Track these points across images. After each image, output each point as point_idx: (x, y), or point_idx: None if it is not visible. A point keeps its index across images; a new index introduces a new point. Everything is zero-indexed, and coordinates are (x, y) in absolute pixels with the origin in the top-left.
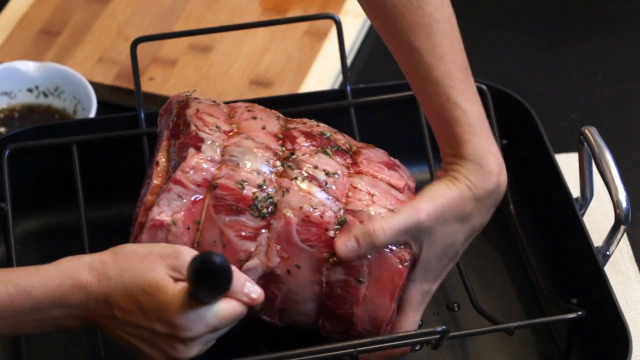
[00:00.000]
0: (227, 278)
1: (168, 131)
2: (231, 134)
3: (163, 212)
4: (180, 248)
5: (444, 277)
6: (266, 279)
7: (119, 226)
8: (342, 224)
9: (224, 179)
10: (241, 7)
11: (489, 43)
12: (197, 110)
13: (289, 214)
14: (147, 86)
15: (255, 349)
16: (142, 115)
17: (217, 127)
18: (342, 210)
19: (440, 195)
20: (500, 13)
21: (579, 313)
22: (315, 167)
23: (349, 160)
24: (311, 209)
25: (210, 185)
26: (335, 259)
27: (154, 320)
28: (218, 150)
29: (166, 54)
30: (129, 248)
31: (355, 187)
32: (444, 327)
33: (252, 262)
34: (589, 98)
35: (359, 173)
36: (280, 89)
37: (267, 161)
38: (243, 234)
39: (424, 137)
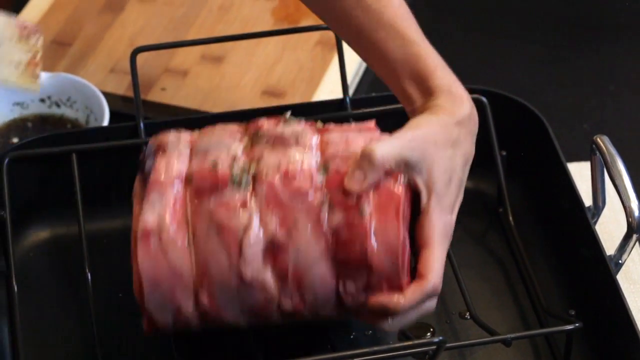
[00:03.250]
0: None
1: (140, 178)
2: (194, 137)
3: (149, 219)
4: None
5: (457, 210)
6: (271, 252)
7: (118, 236)
8: (326, 169)
9: (197, 166)
10: (253, 18)
11: (499, 53)
12: (157, 135)
13: (269, 175)
14: (158, 97)
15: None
16: (142, 125)
17: (176, 135)
18: (320, 158)
19: (425, 123)
20: (511, 23)
21: (577, 324)
22: (283, 133)
23: (314, 127)
24: (290, 165)
25: (186, 179)
26: (329, 202)
27: None
28: (185, 147)
29: (178, 65)
30: None
31: (327, 142)
32: (440, 338)
33: (252, 235)
34: (601, 109)
35: (326, 131)
36: (292, 99)
37: (234, 140)
38: (232, 210)
39: None
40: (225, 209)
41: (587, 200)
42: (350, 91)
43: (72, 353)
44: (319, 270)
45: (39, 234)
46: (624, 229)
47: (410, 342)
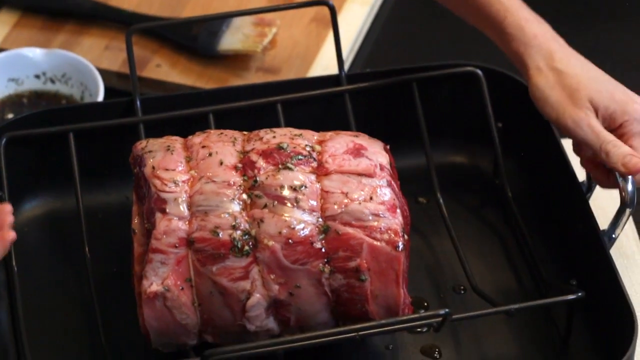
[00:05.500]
0: None
1: (135, 191)
2: (191, 180)
3: (153, 283)
4: None
5: None
6: (273, 307)
7: (113, 210)
8: (326, 232)
9: (198, 231)
10: None
11: None
12: (153, 167)
13: (271, 242)
14: (154, 73)
15: None
16: (139, 102)
17: (174, 181)
18: (320, 219)
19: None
20: None
21: (579, 294)
22: (281, 187)
23: (313, 164)
24: (290, 230)
25: (188, 242)
26: (329, 266)
27: None
28: (183, 205)
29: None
30: None
31: (326, 192)
32: (446, 310)
33: (254, 299)
34: None
35: (326, 174)
36: (287, 76)
37: (232, 199)
38: (234, 276)
39: (419, 121)
40: (227, 275)
41: (581, 176)
42: (346, 67)
43: (72, 327)
44: (321, 318)
45: (34, 209)
46: (617, 203)
47: (416, 315)
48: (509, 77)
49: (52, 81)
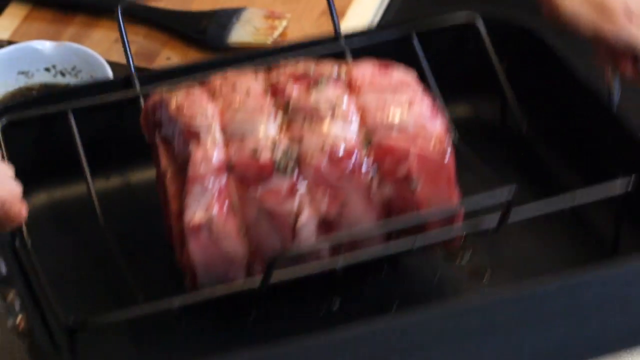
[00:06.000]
0: None
1: (159, 137)
2: (220, 110)
3: (195, 213)
4: None
5: None
6: (323, 227)
7: (130, 190)
8: (369, 144)
9: (237, 155)
10: None
11: None
12: (178, 105)
13: (314, 160)
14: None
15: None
16: (136, 78)
17: (204, 113)
18: (362, 133)
19: None
20: None
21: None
22: (317, 105)
23: (345, 84)
24: (333, 146)
25: (227, 168)
26: (378, 178)
27: None
28: (217, 133)
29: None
30: None
31: (364, 106)
32: (513, 185)
33: (304, 218)
34: None
35: (360, 91)
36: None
37: (267, 121)
38: (280, 197)
39: (425, 70)
40: (274, 196)
41: None
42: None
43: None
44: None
45: (47, 198)
46: None
47: (481, 194)
48: (507, 21)
49: (62, 74)
